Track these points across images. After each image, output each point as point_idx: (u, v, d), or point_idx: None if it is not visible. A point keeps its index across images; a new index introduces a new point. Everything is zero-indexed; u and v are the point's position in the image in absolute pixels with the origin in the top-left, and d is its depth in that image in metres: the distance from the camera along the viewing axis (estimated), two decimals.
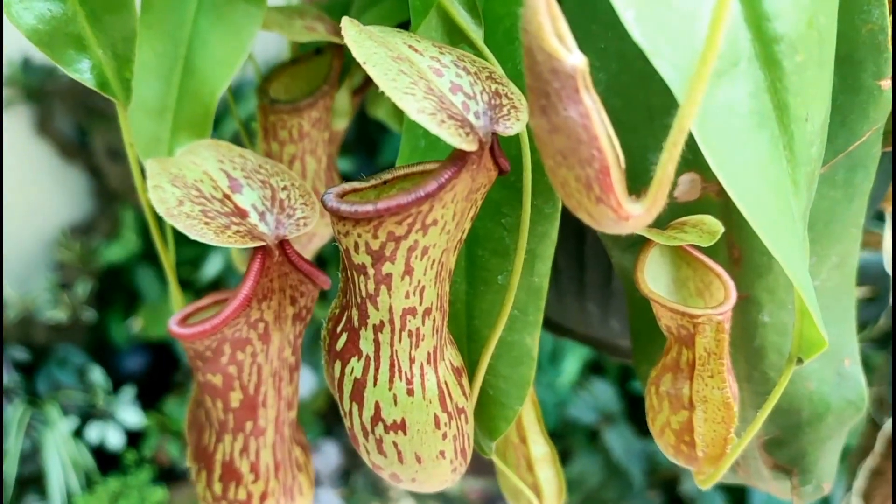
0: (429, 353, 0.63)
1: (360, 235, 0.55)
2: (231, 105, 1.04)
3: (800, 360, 0.62)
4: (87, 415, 3.34)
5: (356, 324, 0.62)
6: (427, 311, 0.61)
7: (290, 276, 0.68)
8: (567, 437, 3.11)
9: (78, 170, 3.68)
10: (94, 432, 3.28)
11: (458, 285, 0.72)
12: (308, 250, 1.05)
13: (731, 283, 0.68)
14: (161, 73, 0.75)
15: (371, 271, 0.57)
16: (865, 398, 0.86)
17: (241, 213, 0.65)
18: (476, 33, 0.62)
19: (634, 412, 3.07)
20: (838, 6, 0.57)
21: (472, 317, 0.73)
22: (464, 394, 0.68)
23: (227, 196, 0.66)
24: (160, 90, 0.75)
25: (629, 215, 0.44)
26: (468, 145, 0.50)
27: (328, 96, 0.90)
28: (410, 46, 0.55)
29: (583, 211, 0.46)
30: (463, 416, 0.67)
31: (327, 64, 0.92)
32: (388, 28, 0.57)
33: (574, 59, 0.40)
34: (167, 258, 0.80)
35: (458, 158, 0.52)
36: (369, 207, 0.52)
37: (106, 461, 3.31)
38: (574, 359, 3.15)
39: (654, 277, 0.73)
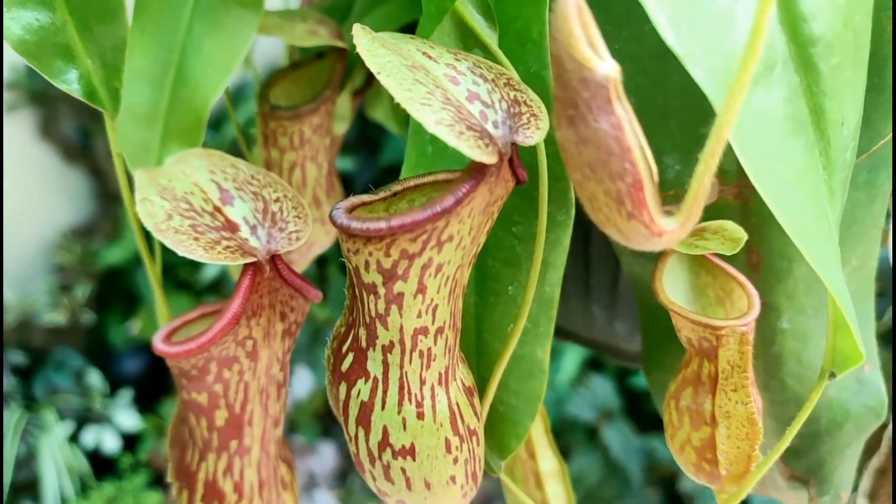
0: (440, 374, 0.60)
1: (371, 254, 0.52)
2: (230, 111, 1.01)
3: (832, 375, 0.60)
4: (84, 419, 3.33)
5: (364, 344, 0.59)
6: (439, 330, 0.58)
7: (280, 290, 0.65)
8: (566, 435, 3.09)
9: (80, 172, 3.70)
10: (89, 436, 3.27)
11: (467, 297, 0.69)
12: (306, 258, 1.02)
13: (754, 292, 0.65)
14: (152, 80, 0.72)
15: (382, 290, 0.54)
16: (885, 404, 0.85)
17: (232, 227, 0.62)
18: (491, 37, 0.59)
19: (633, 409, 3.06)
20: None
21: (482, 330, 0.70)
22: (475, 414, 0.65)
23: (217, 209, 0.63)
24: (151, 97, 0.72)
25: (663, 231, 0.42)
26: (488, 157, 0.47)
27: (330, 101, 0.88)
28: (425, 53, 0.52)
29: (612, 226, 0.43)
30: (474, 439, 0.64)
31: (329, 68, 0.90)
32: (400, 34, 0.54)
33: (606, 67, 0.37)
34: (153, 271, 0.78)
35: (475, 171, 0.49)
36: (382, 224, 0.49)
37: (101, 465, 3.29)
38: (573, 356, 3.14)
39: (671, 285, 0.70)
